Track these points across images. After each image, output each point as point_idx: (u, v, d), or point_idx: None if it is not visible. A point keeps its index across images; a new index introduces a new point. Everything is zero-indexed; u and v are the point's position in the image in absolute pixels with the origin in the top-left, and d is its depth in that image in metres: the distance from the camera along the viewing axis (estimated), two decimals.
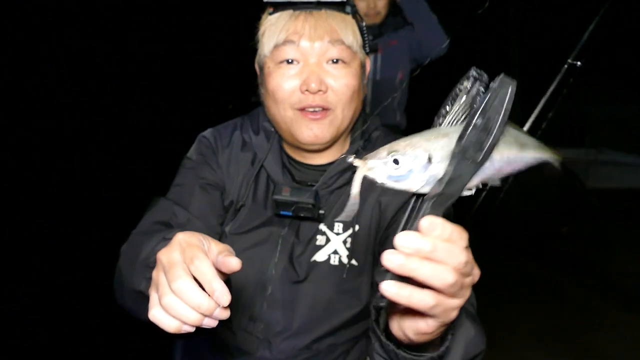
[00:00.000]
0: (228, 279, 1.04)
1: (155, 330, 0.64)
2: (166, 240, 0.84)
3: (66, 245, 4.63)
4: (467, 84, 0.59)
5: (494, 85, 0.54)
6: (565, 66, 1.17)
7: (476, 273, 0.59)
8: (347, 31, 1.04)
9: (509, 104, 0.54)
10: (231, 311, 1.05)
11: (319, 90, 1.01)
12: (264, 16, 1.08)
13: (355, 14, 1.09)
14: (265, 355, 1.05)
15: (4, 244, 4.57)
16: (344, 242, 1.08)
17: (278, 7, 1.05)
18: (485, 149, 0.55)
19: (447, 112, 0.60)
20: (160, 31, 10.57)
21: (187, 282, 0.59)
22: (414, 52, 2.54)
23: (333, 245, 1.07)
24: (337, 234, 1.08)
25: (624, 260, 5.04)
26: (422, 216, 0.55)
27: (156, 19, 10.43)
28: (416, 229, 0.55)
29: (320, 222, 1.08)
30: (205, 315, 0.59)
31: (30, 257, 4.41)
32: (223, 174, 1.13)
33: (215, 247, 0.67)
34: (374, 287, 1.08)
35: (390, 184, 0.57)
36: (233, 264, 0.64)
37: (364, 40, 1.10)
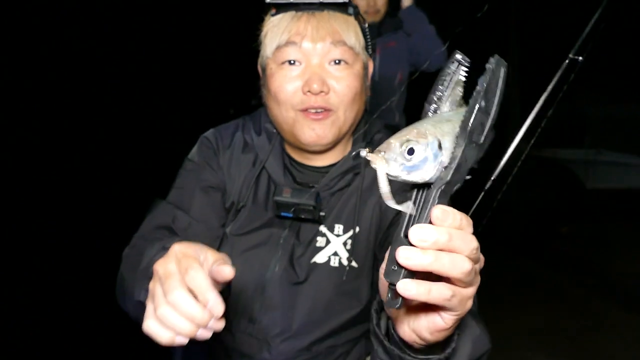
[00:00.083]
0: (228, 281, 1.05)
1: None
2: (165, 249, 0.84)
3: (66, 245, 4.63)
4: (452, 67, 0.58)
5: (490, 66, 0.54)
6: (567, 61, 1.16)
7: (482, 259, 0.58)
8: (350, 32, 1.04)
9: (503, 84, 0.55)
10: (231, 312, 1.05)
11: (321, 92, 1.01)
12: (266, 17, 1.08)
13: (357, 15, 1.08)
14: (264, 356, 1.04)
15: (4, 244, 4.57)
16: (344, 243, 1.07)
17: (280, 8, 1.05)
18: (486, 130, 0.55)
19: (438, 98, 0.59)
20: (160, 31, 10.57)
21: (182, 294, 0.59)
22: (412, 59, 2.54)
23: (333, 247, 1.07)
24: (338, 235, 1.08)
25: (623, 260, 5.05)
26: (432, 206, 0.54)
27: (156, 19, 10.43)
28: (426, 221, 0.54)
29: (320, 223, 1.08)
30: (200, 326, 0.60)
31: (30, 257, 4.41)
32: (224, 175, 1.13)
33: (211, 256, 0.67)
34: (375, 288, 1.08)
35: (404, 176, 0.54)
36: (226, 272, 0.64)
37: (366, 42, 1.10)
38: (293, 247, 1.07)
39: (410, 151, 0.53)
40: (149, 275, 0.67)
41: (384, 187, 0.54)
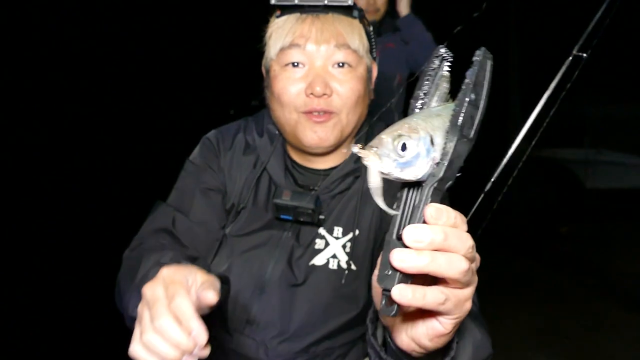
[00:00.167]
0: (227, 281, 1.05)
1: None
2: (160, 265, 0.86)
3: (66, 245, 4.64)
4: (437, 62, 0.58)
5: (477, 59, 0.53)
6: (570, 58, 1.14)
7: (478, 258, 0.57)
8: (354, 35, 1.03)
9: (490, 77, 0.53)
10: (229, 313, 1.05)
11: (324, 94, 1.00)
12: (271, 19, 1.08)
13: (362, 18, 1.08)
14: (261, 357, 1.04)
15: (4, 244, 4.58)
16: (343, 246, 1.07)
17: (285, 10, 1.05)
18: (476, 124, 0.53)
19: (425, 94, 0.58)
20: (160, 31, 10.57)
21: (168, 321, 0.60)
22: (410, 65, 2.54)
23: (332, 250, 1.07)
24: (337, 238, 1.08)
25: (623, 260, 5.05)
26: (424, 205, 0.52)
27: (156, 19, 10.44)
28: (420, 221, 0.52)
29: (319, 226, 1.08)
30: (185, 353, 0.61)
31: (30, 257, 4.41)
32: (224, 177, 1.13)
33: (200, 277, 0.69)
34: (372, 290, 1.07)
35: (397, 173, 0.51)
36: (209, 298, 0.66)
37: (370, 45, 1.09)
38: (292, 248, 1.07)
39: (404, 147, 0.51)
40: (140, 293, 0.68)
41: (375, 183, 0.52)
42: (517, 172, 1.08)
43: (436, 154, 0.52)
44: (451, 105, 0.54)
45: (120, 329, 0.86)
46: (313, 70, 1.02)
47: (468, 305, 0.56)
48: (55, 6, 8.93)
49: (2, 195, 6.04)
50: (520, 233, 6.01)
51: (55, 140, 8.71)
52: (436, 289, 0.52)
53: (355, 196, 1.08)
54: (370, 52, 1.10)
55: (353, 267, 1.06)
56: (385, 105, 0.93)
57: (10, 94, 8.67)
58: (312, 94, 1.00)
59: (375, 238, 1.08)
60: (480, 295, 0.88)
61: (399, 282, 0.51)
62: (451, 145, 0.52)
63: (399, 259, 0.49)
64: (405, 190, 0.56)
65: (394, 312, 0.53)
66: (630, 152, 6.99)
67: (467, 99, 0.52)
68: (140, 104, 10.22)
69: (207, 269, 1.07)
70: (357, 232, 1.07)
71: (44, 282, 3.86)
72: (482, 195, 0.92)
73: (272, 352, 1.03)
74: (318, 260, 1.06)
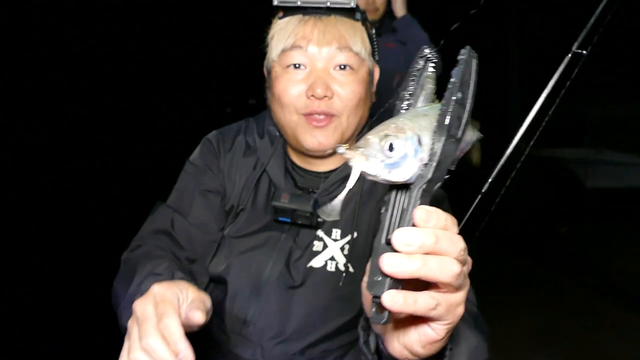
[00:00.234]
0: (225, 282, 1.05)
1: None
2: (154, 275, 0.88)
3: (66, 245, 4.64)
4: (421, 62, 0.57)
5: (462, 57, 0.52)
6: (569, 55, 1.13)
7: (469, 261, 0.56)
8: (356, 38, 1.03)
9: (476, 76, 0.52)
10: (226, 314, 1.05)
11: (325, 96, 1.00)
12: (274, 20, 1.08)
13: (365, 21, 1.08)
14: (257, 359, 1.04)
15: (4, 244, 4.58)
16: (342, 248, 1.07)
17: (288, 12, 1.05)
18: (463, 124, 0.52)
19: (411, 94, 0.57)
20: (160, 31, 10.58)
21: (156, 341, 0.61)
22: (409, 64, 2.54)
23: (330, 252, 1.07)
24: (335, 240, 1.07)
25: (623, 260, 5.05)
26: (413, 207, 0.50)
27: (156, 19, 10.44)
28: (409, 224, 0.50)
29: (317, 228, 1.08)
30: None
31: (30, 257, 4.41)
32: (224, 179, 1.12)
33: (192, 294, 0.70)
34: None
35: (384, 175, 0.50)
36: (196, 319, 0.66)
37: (373, 48, 1.09)
38: (290, 250, 1.06)
39: (391, 147, 0.50)
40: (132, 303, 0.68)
41: (352, 183, 0.52)
42: (516, 172, 1.08)
43: (424, 155, 0.51)
44: (438, 105, 0.53)
45: (120, 329, 0.86)
46: (314, 72, 1.02)
47: (460, 310, 0.54)
48: (55, 6, 8.93)
49: (2, 195, 6.04)
50: (520, 233, 6.01)
51: (55, 140, 8.71)
52: (427, 294, 0.51)
53: (354, 198, 1.08)
54: (373, 54, 1.09)
55: (351, 269, 1.05)
56: (384, 106, 0.93)
57: (10, 94, 8.67)
58: (313, 95, 1.00)
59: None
60: (479, 295, 0.88)
61: (390, 288, 0.49)
62: (439, 146, 0.50)
63: (389, 264, 0.48)
64: (394, 192, 0.54)
65: (384, 319, 0.51)
66: (631, 152, 6.98)
67: (453, 98, 0.50)
68: (140, 104, 10.22)
69: (205, 270, 1.07)
70: (355, 234, 1.07)
71: (44, 282, 3.86)
72: (479, 197, 0.92)
73: (268, 354, 1.03)
74: (316, 263, 1.06)
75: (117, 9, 10.00)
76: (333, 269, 1.06)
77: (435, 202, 0.52)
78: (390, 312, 0.50)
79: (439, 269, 0.49)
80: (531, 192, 6.28)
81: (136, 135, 9.45)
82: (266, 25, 1.09)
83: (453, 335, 0.62)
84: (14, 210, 5.65)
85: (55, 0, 8.82)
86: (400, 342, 0.59)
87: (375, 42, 1.10)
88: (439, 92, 0.54)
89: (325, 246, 1.07)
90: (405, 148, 0.50)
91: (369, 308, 0.55)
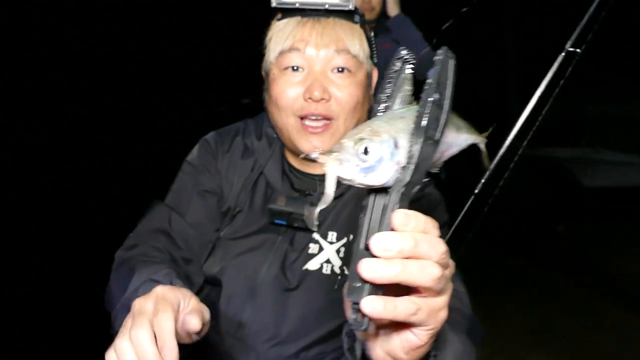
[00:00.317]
0: (220, 284, 1.05)
1: None
2: (152, 281, 0.87)
3: (66, 245, 4.64)
4: (398, 64, 0.56)
5: (439, 58, 0.51)
6: (563, 54, 1.12)
7: (452, 264, 0.55)
8: (354, 40, 1.03)
9: (454, 77, 0.51)
10: (221, 316, 1.05)
11: (322, 99, 1.00)
12: (272, 21, 1.08)
13: (364, 23, 1.08)
14: None
15: (4, 244, 4.58)
16: (337, 251, 1.07)
17: (286, 13, 1.05)
18: (441, 125, 0.51)
19: (388, 96, 0.56)
20: (160, 31, 10.57)
21: (144, 333, 0.61)
22: None
23: (326, 254, 1.07)
24: (331, 243, 1.07)
25: (622, 260, 5.05)
26: (392, 211, 0.49)
27: (156, 19, 10.44)
28: (387, 228, 0.49)
29: (313, 231, 1.07)
30: None
31: (30, 257, 4.42)
32: (221, 180, 1.12)
33: (192, 304, 0.70)
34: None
35: (360, 179, 0.50)
36: (192, 324, 0.66)
37: (371, 50, 1.09)
38: (286, 253, 1.06)
39: (366, 150, 0.49)
40: (129, 308, 0.69)
41: (330, 189, 0.51)
42: (510, 171, 1.08)
43: (401, 158, 0.50)
44: (415, 107, 0.52)
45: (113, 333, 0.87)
46: (312, 74, 1.01)
47: (443, 314, 0.54)
48: (55, 6, 8.93)
49: (2, 195, 6.04)
50: (517, 232, 6.01)
51: (55, 140, 8.70)
52: (407, 299, 0.50)
53: (350, 201, 1.08)
54: (371, 57, 1.09)
55: (347, 272, 1.05)
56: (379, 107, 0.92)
57: (10, 94, 8.67)
58: (310, 98, 1.00)
59: None
60: (477, 295, 0.89)
61: (369, 294, 0.48)
62: (417, 148, 0.49)
63: (368, 269, 0.47)
64: (372, 197, 0.53)
65: (364, 326, 0.50)
66: (628, 151, 6.99)
67: (430, 100, 0.50)
68: (140, 104, 10.22)
69: (200, 271, 1.07)
70: (351, 237, 1.07)
71: (44, 282, 3.86)
72: (472, 197, 0.93)
73: (263, 356, 1.03)
74: (312, 265, 1.06)
75: (117, 9, 10.00)
76: (329, 272, 1.05)
77: (430, 205, 0.52)
78: (370, 319, 0.50)
79: (419, 273, 0.48)
80: (525, 191, 6.28)
81: (136, 135, 9.45)
82: (265, 25, 1.08)
83: (438, 341, 0.61)
84: (14, 210, 5.65)
85: (55, 0, 8.82)
86: (383, 349, 0.58)
87: (374, 45, 1.09)
88: (417, 94, 0.53)
89: (321, 249, 1.07)
90: (381, 151, 0.49)
91: (349, 314, 0.53)
